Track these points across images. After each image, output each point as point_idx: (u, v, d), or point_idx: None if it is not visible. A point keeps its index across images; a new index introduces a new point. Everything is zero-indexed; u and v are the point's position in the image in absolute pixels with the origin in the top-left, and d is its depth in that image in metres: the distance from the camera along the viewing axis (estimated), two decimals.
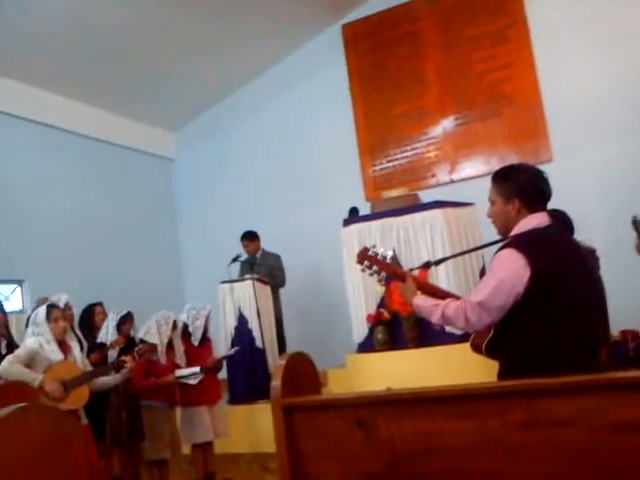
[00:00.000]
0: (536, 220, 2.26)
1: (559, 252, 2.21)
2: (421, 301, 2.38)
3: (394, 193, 5.92)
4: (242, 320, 6.15)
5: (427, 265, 2.74)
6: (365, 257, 2.55)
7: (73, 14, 6.22)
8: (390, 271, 2.53)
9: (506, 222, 2.33)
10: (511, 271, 2.13)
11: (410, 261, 5.13)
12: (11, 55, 6.44)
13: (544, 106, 7.06)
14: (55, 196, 7.22)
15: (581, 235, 3.04)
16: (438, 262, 2.79)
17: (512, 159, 6.73)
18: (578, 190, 6.40)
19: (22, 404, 1.33)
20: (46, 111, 7.25)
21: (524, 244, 2.17)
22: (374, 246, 2.62)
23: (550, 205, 2.38)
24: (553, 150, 6.98)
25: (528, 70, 7.18)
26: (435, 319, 2.30)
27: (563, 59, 6.99)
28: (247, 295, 6.14)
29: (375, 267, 2.53)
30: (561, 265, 2.16)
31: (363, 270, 2.57)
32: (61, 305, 4.45)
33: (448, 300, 2.29)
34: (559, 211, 3.31)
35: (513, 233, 2.28)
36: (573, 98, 6.88)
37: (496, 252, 2.24)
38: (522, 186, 2.28)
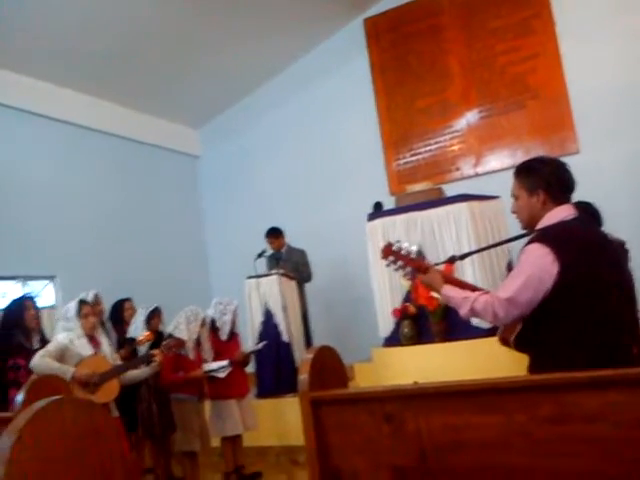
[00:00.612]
0: (563, 213, 2.24)
1: (587, 245, 2.19)
2: (450, 292, 2.37)
3: (418, 187, 5.90)
4: (268, 315, 6.20)
5: (452, 260, 2.73)
6: (389, 252, 2.54)
7: (97, 12, 6.30)
8: (415, 266, 2.52)
9: (531, 215, 2.31)
10: (539, 266, 2.11)
11: (435, 255, 5.11)
12: (36, 54, 6.55)
13: (570, 97, 6.96)
14: (83, 194, 7.34)
15: (609, 227, 3.01)
16: (463, 256, 2.78)
17: (538, 151, 6.66)
18: (606, 181, 6.31)
19: (57, 397, 1.37)
20: (72, 110, 7.37)
21: (552, 238, 2.15)
22: (398, 241, 2.61)
23: (577, 197, 2.36)
24: (580, 142, 6.89)
25: (553, 61, 7.08)
26: (463, 312, 2.29)
27: (589, 49, 6.87)
28: (273, 290, 6.19)
29: (400, 262, 2.52)
30: (590, 258, 2.15)
31: (388, 265, 2.57)
32: (89, 299, 4.53)
33: (477, 293, 2.28)
34: (586, 203, 3.28)
35: (539, 226, 2.27)
36: (600, 89, 6.76)
37: (524, 246, 2.22)
38: (546, 178, 2.27)
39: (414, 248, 2.56)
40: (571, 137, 6.96)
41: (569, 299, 2.10)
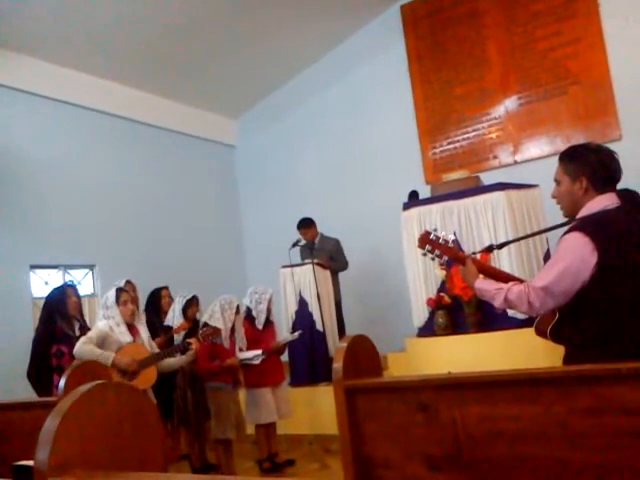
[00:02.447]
0: (604, 201, 2.19)
1: (628, 236, 2.13)
2: (483, 284, 2.35)
3: (455, 175, 5.83)
4: (303, 304, 6.23)
5: (490, 249, 2.69)
6: (427, 241, 2.52)
7: (137, 3, 6.37)
8: (452, 255, 2.50)
9: (572, 203, 2.27)
10: (578, 256, 2.07)
11: (471, 245, 5.06)
12: (78, 46, 6.67)
13: (613, 83, 6.76)
14: (122, 184, 7.47)
15: None
16: (501, 246, 2.73)
17: (578, 138, 6.51)
18: None
19: (100, 381, 1.41)
20: (112, 102, 7.50)
21: (592, 228, 2.11)
22: (435, 230, 2.59)
23: (620, 184, 2.30)
24: (623, 128, 6.69)
25: (596, 45, 6.88)
26: (498, 303, 2.27)
27: (633, 33, 6.66)
28: (307, 279, 6.21)
29: (437, 251, 2.50)
30: (630, 249, 2.09)
31: (424, 254, 2.55)
32: (122, 285, 4.60)
33: (511, 284, 2.25)
34: (630, 191, 3.18)
35: (580, 215, 2.22)
36: None
37: (562, 235, 2.18)
38: (590, 165, 2.22)
39: (451, 237, 2.54)
40: (613, 124, 6.77)
41: (607, 290, 2.05)
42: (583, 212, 2.22)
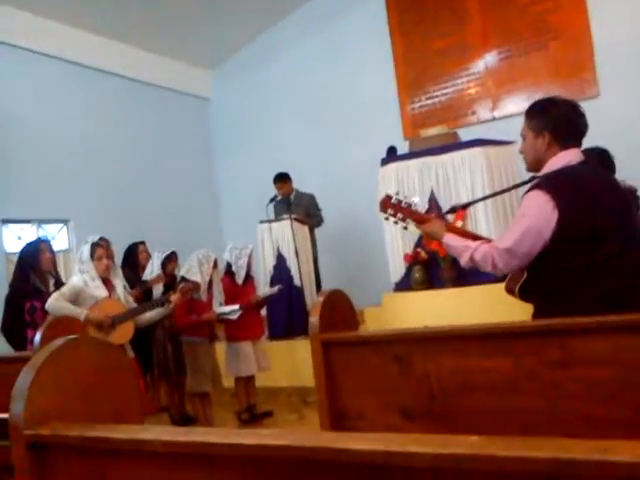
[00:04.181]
0: (567, 157, 2.17)
1: (588, 191, 2.11)
2: (452, 241, 2.32)
3: (433, 131, 5.81)
4: (280, 259, 6.24)
5: (453, 210, 2.66)
6: (388, 205, 2.43)
7: None
8: (416, 218, 2.42)
9: (535, 157, 2.25)
10: (539, 215, 2.07)
11: (449, 201, 5.08)
12: None
13: (593, 38, 6.72)
14: (95, 137, 7.29)
15: (626, 172, 2.95)
16: (465, 206, 2.71)
17: (557, 94, 6.48)
18: (625, 126, 6.15)
19: (73, 335, 1.41)
20: (82, 51, 7.25)
21: (553, 185, 2.09)
22: (397, 193, 2.52)
23: (596, 142, 2.30)
24: (600, 85, 6.69)
25: (577, 0, 6.80)
26: (463, 261, 2.27)
27: None
28: (285, 235, 6.20)
29: (399, 214, 2.42)
30: (589, 205, 2.08)
31: (387, 219, 2.47)
32: (95, 240, 4.53)
33: (478, 243, 2.24)
34: (600, 149, 3.19)
35: (544, 171, 2.21)
36: (623, 30, 6.51)
37: (525, 193, 2.17)
38: (553, 120, 2.19)
39: (415, 199, 2.48)
40: (591, 80, 6.75)
41: (568, 247, 2.06)
42: (546, 168, 2.20)
